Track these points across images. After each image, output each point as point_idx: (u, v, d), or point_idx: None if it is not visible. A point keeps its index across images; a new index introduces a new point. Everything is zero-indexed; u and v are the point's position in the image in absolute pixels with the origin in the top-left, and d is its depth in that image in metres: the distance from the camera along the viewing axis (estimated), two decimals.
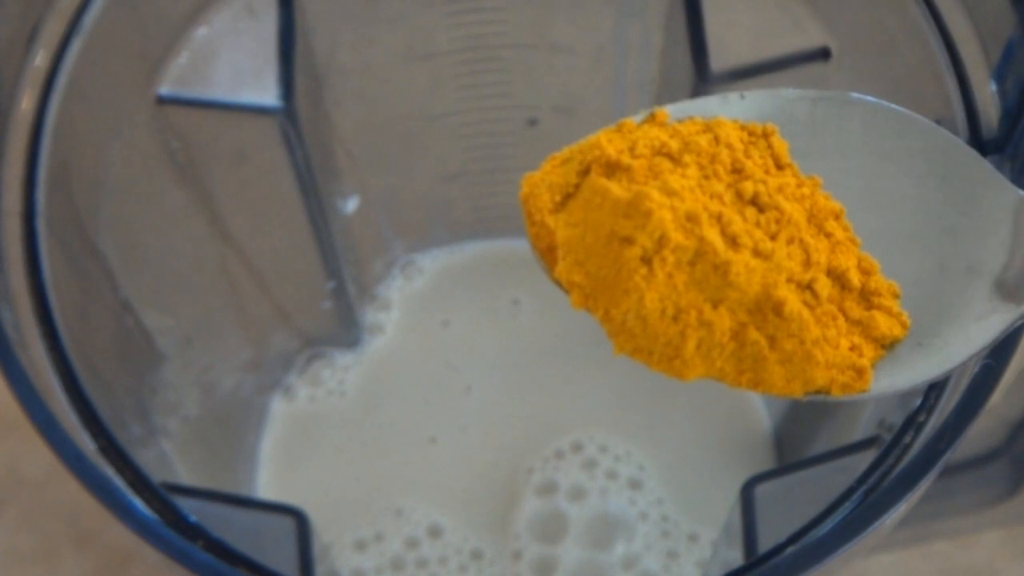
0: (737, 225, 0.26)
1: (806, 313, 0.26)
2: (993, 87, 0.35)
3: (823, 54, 0.39)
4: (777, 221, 0.27)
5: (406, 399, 0.52)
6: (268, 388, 0.52)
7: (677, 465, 0.51)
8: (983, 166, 0.29)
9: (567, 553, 0.49)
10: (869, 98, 0.29)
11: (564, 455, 0.51)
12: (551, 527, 0.49)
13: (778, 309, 0.26)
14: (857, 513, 0.30)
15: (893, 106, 0.29)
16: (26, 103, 0.35)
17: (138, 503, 0.31)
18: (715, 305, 0.26)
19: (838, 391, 0.27)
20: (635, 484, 0.50)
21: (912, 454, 0.32)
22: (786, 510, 0.35)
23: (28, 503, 0.50)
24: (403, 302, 0.55)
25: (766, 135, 0.28)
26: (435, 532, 0.50)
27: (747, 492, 0.36)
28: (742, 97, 0.29)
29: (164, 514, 0.31)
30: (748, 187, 0.27)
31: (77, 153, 0.37)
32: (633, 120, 0.28)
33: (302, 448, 0.52)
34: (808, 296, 0.27)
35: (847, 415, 0.42)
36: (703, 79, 0.40)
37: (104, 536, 0.49)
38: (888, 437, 0.32)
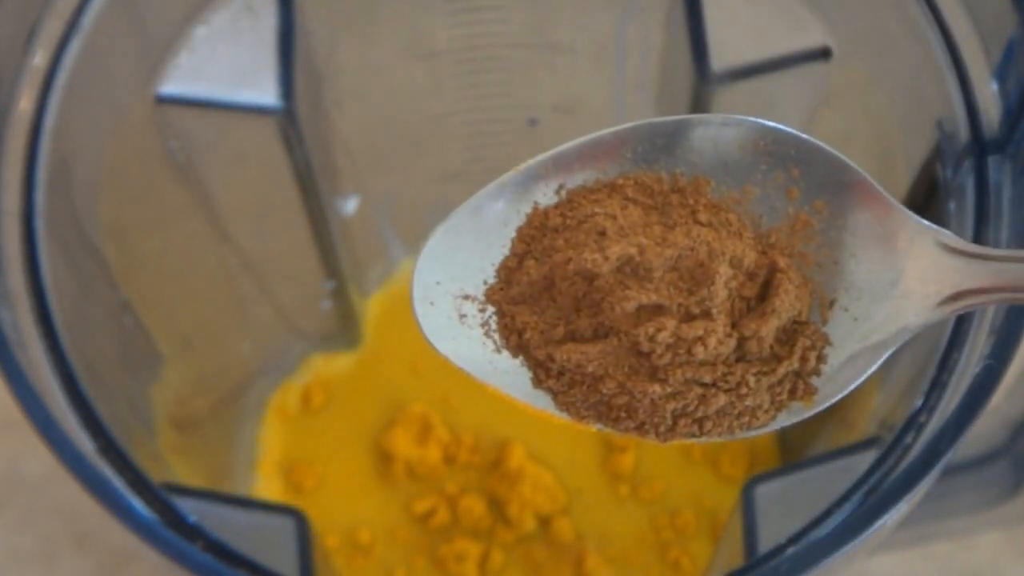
0: None
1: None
2: (994, 86, 0.35)
3: (824, 53, 0.39)
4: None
5: (407, 398, 0.52)
6: (268, 388, 0.52)
7: (678, 463, 0.51)
8: (854, 175, 0.29)
9: None
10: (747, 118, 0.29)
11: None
12: None
13: None
14: (858, 514, 0.30)
15: (766, 123, 0.29)
16: (25, 103, 0.35)
17: (137, 503, 0.31)
18: None
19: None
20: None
21: (913, 454, 0.31)
22: (787, 510, 0.35)
23: (28, 503, 0.50)
24: (402, 301, 0.54)
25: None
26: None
27: (748, 492, 0.36)
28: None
29: (164, 514, 0.31)
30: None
31: (76, 153, 0.37)
32: None
33: (302, 448, 0.51)
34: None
35: (849, 415, 0.42)
36: (703, 79, 0.39)
37: (103, 537, 0.49)
38: (889, 437, 0.32)
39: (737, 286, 0.28)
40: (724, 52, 0.39)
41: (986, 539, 0.49)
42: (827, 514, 0.31)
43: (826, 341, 0.28)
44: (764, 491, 0.36)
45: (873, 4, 0.38)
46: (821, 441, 0.46)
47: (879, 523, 0.29)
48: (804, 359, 0.28)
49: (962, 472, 0.43)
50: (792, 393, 0.28)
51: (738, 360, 0.27)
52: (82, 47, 0.36)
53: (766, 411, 0.28)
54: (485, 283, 0.29)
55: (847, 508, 0.31)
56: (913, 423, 0.32)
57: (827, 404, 0.28)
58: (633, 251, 0.27)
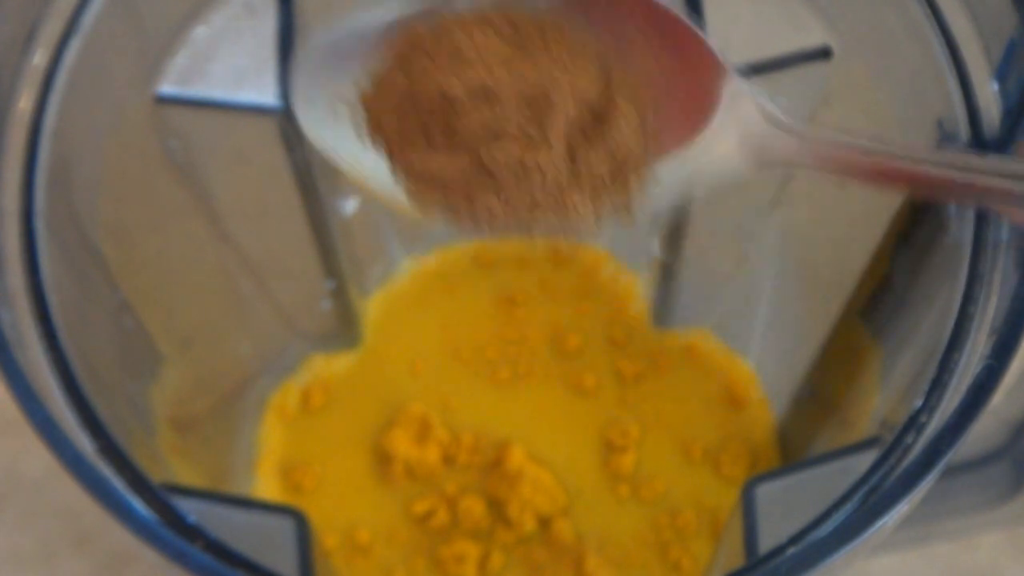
0: None
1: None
2: (995, 86, 0.35)
3: (824, 53, 0.39)
4: None
5: (406, 398, 0.52)
6: (268, 388, 0.52)
7: (678, 463, 0.51)
8: (693, 33, 0.33)
9: None
10: None
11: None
12: None
13: None
14: (858, 514, 0.30)
15: None
16: (24, 102, 0.35)
17: (137, 504, 0.30)
18: None
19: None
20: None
21: (914, 454, 0.31)
22: (787, 511, 0.35)
23: (27, 503, 0.50)
24: (402, 301, 0.54)
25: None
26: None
27: (748, 492, 0.36)
28: None
29: (163, 514, 0.31)
30: None
31: (76, 152, 0.37)
32: None
33: (302, 448, 0.51)
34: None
35: (849, 415, 0.42)
36: None
37: (103, 537, 0.49)
38: (890, 438, 0.32)
39: (577, 117, 0.31)
40: (725, 51, 0.39)
41: (987, 539, 0.49)
42: (827, 514, 0.31)
43: (653, 177, 0.32)
44: (764, 491, 0.36)
45: (873, 4, 0.38)
46: (821, 441, 0.46)
47: (879, 523, 0.29)
48: (630, 189, 0.32)
49: (962, 472, 0.43)
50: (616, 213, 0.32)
51: (571, 185, 0.31)
52: (82, 47, 0.36)
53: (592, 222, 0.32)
54: (359, 86, 0.33)
55: (847, 508, 0.31)
56: (914, 423, 0.32)
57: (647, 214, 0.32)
58: (487, 79, 0.31)
